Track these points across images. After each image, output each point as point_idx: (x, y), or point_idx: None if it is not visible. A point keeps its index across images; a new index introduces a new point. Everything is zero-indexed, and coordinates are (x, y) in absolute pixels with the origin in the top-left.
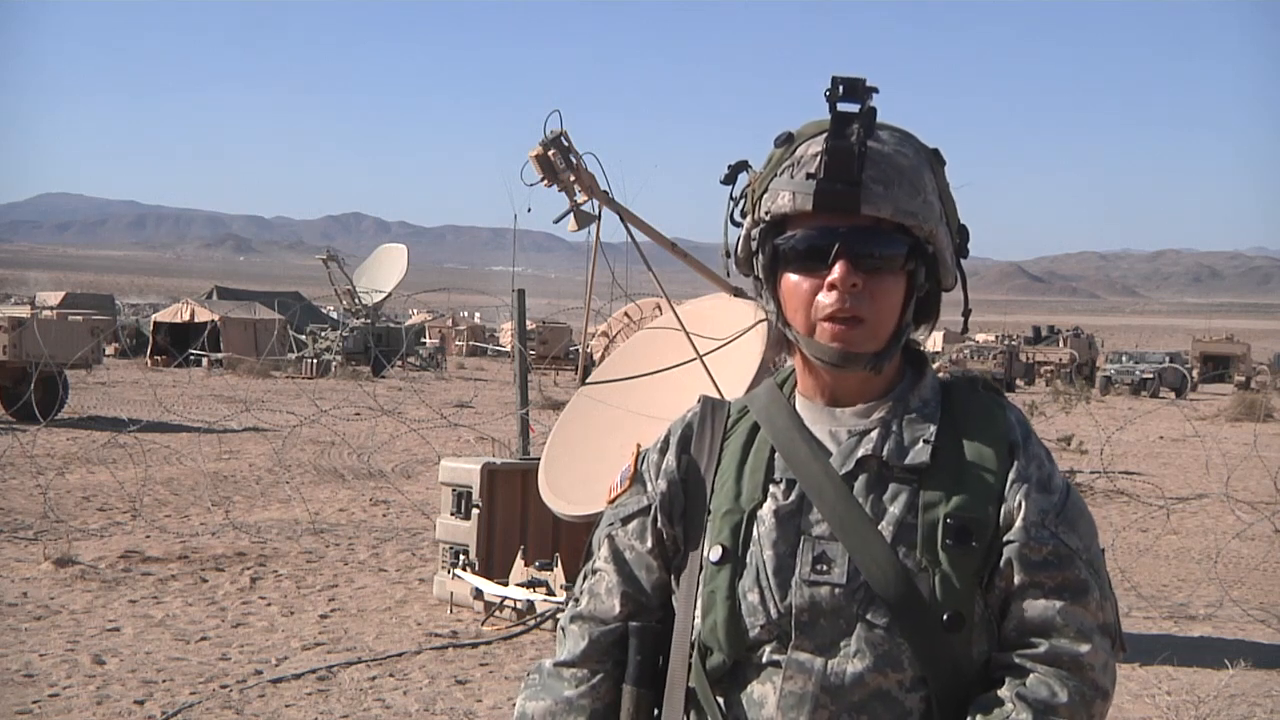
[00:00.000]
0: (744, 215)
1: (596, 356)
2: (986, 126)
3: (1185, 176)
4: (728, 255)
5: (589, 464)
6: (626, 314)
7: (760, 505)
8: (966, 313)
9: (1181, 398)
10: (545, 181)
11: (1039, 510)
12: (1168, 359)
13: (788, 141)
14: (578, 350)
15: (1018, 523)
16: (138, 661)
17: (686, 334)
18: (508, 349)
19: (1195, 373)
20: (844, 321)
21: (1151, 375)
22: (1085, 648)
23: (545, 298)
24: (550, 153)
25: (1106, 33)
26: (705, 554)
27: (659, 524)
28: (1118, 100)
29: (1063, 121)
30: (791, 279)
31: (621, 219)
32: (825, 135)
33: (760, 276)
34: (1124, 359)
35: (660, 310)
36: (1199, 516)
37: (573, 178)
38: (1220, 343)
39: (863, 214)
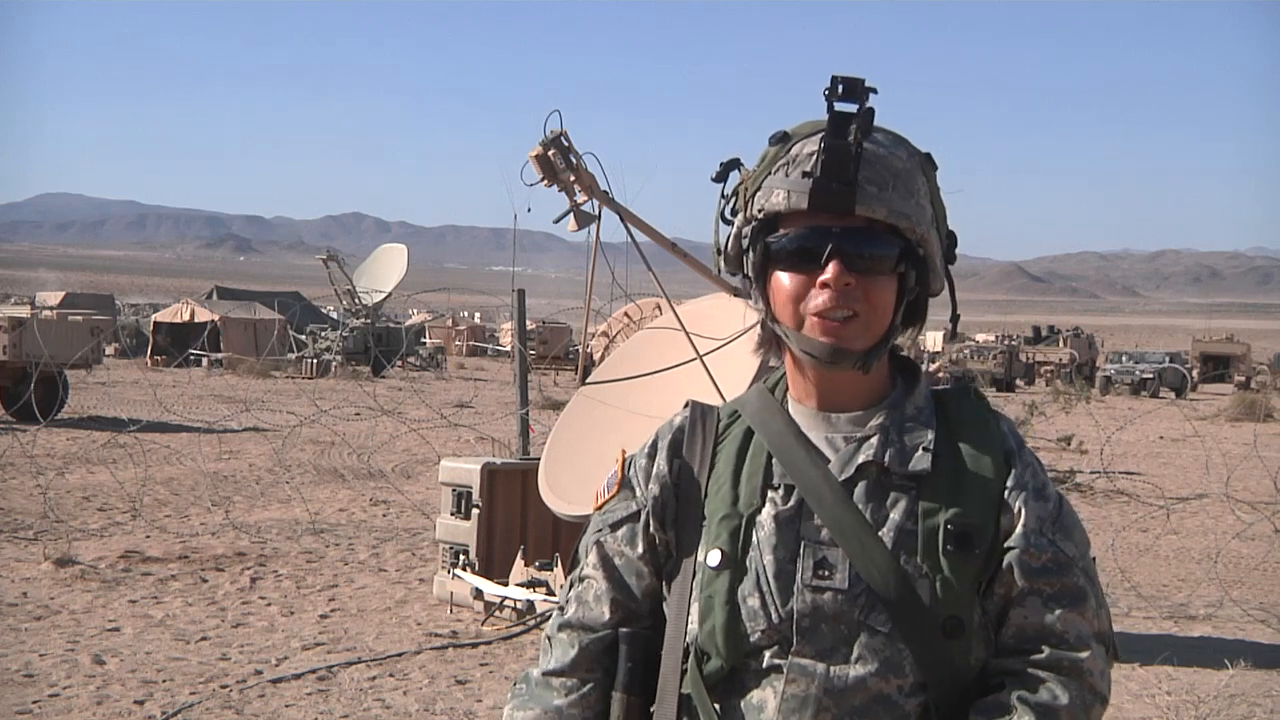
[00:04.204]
0: (735, 213)
1: (596, 356)
2: (987, 126)
3: (1185, 176)
4: (719, 253)
5: (589, 464)
6: (626, 314)
7: (759, 510)
8: (955, 318)
9: (1181, 398)
10: (545, 181)
11: (1037, 518)
12: (1168, 359)
13: (783, 140)
14: (578, 350)
15: (1017, 529)
16: (138, 661)
17: (686, 334)
18: (508, 349)
19: (1195, 373)
20: (837, 319)
21: (1151, 375)
22: (1084, 654)
23: (545, 298)
24: (550, 153)
25: (1106, 32)
26: (702, 559)
27: (650, 529)
28: (1118, 100)
29: (1063, 121)
30: (782, 277)
31: (621, 219)
32: (821, 135)
33: (750, 275)
34: (1124, 359)
35: (660, 310)
36: (1199, 516)
37: (573, 178)
38: (1220, 343)
39: (857, 214)
